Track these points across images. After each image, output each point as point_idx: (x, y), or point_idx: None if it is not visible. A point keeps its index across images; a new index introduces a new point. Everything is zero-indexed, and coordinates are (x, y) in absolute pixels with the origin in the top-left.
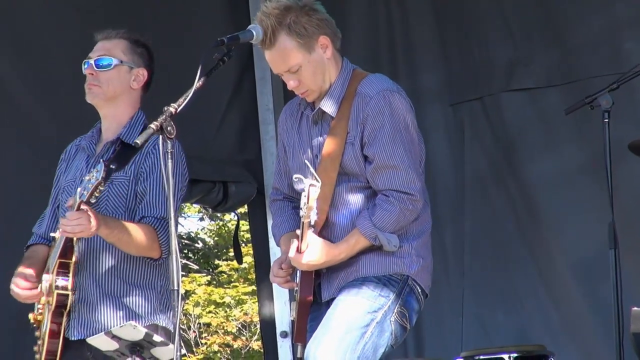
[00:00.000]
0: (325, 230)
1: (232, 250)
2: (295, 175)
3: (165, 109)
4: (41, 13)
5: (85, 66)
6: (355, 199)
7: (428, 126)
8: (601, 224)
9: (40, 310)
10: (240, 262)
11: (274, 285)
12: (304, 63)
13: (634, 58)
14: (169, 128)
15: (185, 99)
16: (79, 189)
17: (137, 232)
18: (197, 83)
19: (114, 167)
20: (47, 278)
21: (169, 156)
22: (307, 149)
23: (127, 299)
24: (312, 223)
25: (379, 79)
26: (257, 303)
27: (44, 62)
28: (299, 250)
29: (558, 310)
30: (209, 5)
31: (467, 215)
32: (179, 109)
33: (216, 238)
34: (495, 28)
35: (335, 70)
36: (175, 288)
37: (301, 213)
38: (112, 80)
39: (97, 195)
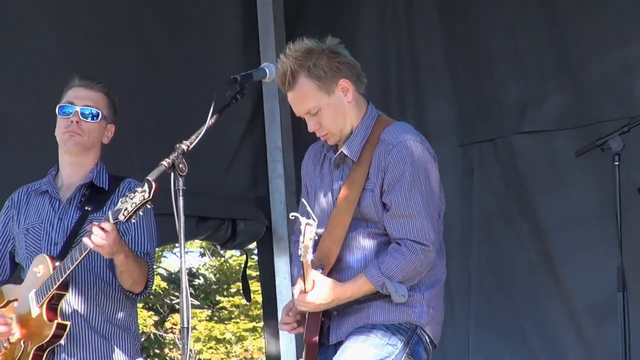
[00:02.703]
0: (338, 274)
1: (233, 286)
2: (292, 214)
3: (178, 146)
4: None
5: (69, 111)
6: (371, 244)
7: None
8: (610, 266)
9: (4, 350)
10: (248, 299)
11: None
12: (323, 106)
13: None
14: (180, 165)
15: (197, 137)
16: (110, 212)
17: (140, 263)
18: (210, 120)
19: (89, 208)
20: (36, 312)
21: (180, 193)
22: (327, 192)
23: (115, 341)
24: (309, 262)
25: (404, 127)
26: (257, 339)
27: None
28: (303, 291)
29: (566, 353)
30: (222, 44)
31: (474, 255)
32: (191, 147)
33: (217, 274)
34: (507, 67)
35: (358, 114)
36: (185, 326)
37: (299, 252)
38: (92, 132)
39: (141, 214)
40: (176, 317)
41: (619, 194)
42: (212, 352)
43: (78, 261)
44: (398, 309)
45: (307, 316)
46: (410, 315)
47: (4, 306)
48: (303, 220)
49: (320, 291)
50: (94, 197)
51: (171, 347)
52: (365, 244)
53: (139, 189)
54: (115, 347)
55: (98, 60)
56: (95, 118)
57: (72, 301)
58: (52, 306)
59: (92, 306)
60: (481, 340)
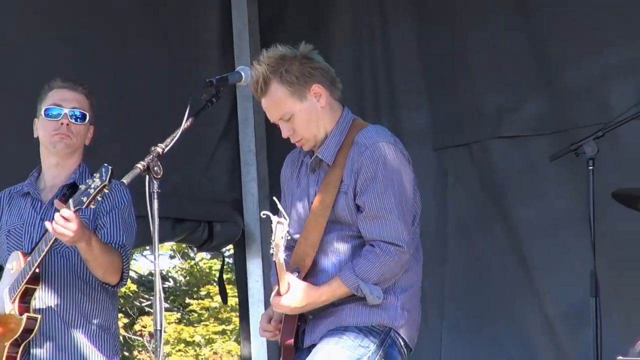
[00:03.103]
0: (313, 278)
1: (203, 289)
2: (263, 212)
3: (153, 149)
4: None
5: (58, 113)
6: (346, 248)
7: None
8: (585, 272)
9: None
10: (225, 301)
11: (252, 326)
12: (296, 111)
13: (620, 107)
14: (155, 168)
15: (172, 140)
16: (71, 200)
17: (111, 253)
18: (185, 124)
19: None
20: (9, 308)
21: (155, 196)
22: (304, 197)
23: (91, 338)
24: (282, 261)
25: (378, 130)
26: (227, 342)
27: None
28: (278, 293)
29: (540, 358)
30: (200, 48)
31: (448, 260)
32: (166, 149)
33: (187, 277)
34: (483, 73)
35: (332, 119)
36: (159, 328)
37: (270, 251)
38: (80, 134)
39: (99, 199)
40: (145, 319)
41: (592, 198)
42: (181, 355)
43: (45, 252)
44: (372, 311)
45: (283, 319)
46: (383, 317)
47: None
48: (274, 218)
49: (295, 295)
50: None
51: (140, 349)
52: (339, 247)
53: (97, 175)
54: (93, 347)
55: (74, 62)
56: (83, 120)
57: (49, 299)
58: (25, 301)
59: (70, 304)
60: (454, 345)
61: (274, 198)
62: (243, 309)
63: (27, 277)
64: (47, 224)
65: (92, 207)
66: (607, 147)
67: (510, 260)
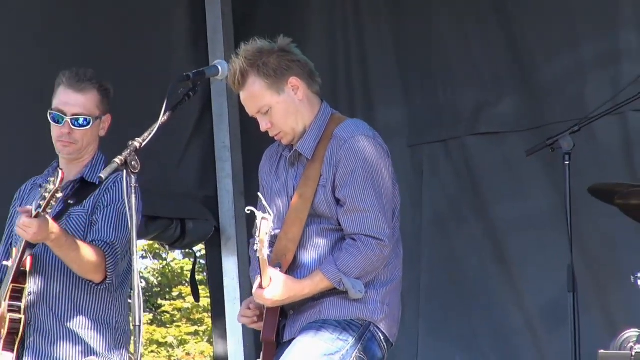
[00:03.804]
0: (294, 272)
1: (175, 289)
2: (247, 208)
3: (130, 143)
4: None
5: (58, 122)
6: (325, 242)
7: None
8: (563, 266)
9: None
10: (197, 299)
11: (228, 324)
12: (274, 104)
13: (596, 102)
14: (133, 163)
15: (150, 134)
16: (34, 203)
17: (85, 251)
18: (162, 118)
19: (72, 202)
20: (3, 306)
21: (133, 191)
22: (283, 191)
23: (84, 332)
24: (266, 257)
25: (357, 124)
26: (199, 343)
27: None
28: (261, 286)
29: (518, 355)
30: (171, 42)
31: (424, 256)
32: (143, 144)
33: (159, 277)
34: (459, 69)
35: (311, 113)
36: (137, 324)
37: (255, 247)
38: (85, 136)
39: (53, 204)
40: None
41: (569, 193)
42: (154, 356)
43: (20, 251)
44: (351, 304)
45: (264, 315)
46: (363, 311)
47: None
48: (259, 214)
49: (277, 288)
50: (81, 192)
51: None
52: (319, 241)
53: (52, 178)
54: (87, 340)
55: (44, 59)
56: (86, 125)
57: (42, 293)
58: (15, 299)
59: (64, 298)
60: (431, 342)
61: (259, 194)
62: (216, 308)
63: (11, 276)
64: (9, 262)
65: (49, 211)
66: (584, 141)
67: (486, 256)
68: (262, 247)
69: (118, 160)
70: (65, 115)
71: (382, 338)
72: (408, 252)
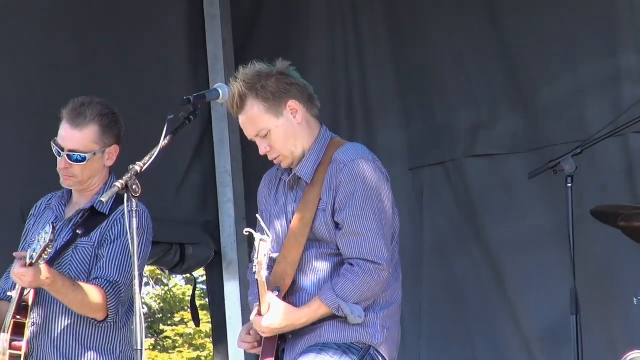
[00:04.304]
0: (292, 296)
1: (177, 315)
2: (245, 230)
3: (131, 167)
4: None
5: (57, 155)
6: (324, 266)
7: None
8: (564, 289)
9: None
10: (197, 324)
11: (230, 349)
12: (272, 127)
13: (596, 124)
14: (134, 186)
15: (150, 158)
16: (29, 250)
17: (85, 292)
18: (163, 141)
19: (80, 232)
20: (4, 338)
21: (134, 214)
22: (282, 215)
23: None
24: (264, 279)
25: (356, 148)
26: None
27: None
28: (259, 313)
29: None
30: (169, 69)
31: (425, 279)
32: (144, 167)
33: (161, 303)
34: (457, 91)
35: (310, 136)
36: (139, 348)
37: (253, 269)
38: (86, 169)
39: (45, 257)
40: None
41: (571, 215)
42: None
43: (17, 294)
44: (351, 328)
45: (263, 338)
46: (363, 335)
47: None
48: (257, 236)
49: (275, 316)
50: (90, 221)
51: None
52: (318, 265)
53: (42, 231)
54: None
55: (44, 83)
56: (81, 160)
57: (44, 328)
58: (17, 333)
59: (67, 333)
60: None
61: (257, 215)
62: (218, 333)
63: (12, 312)
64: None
65: (42, 263)
66: (585, 164)
67: (486, 278)
68: (260, 269)
69: (119, 184)
70: (63, 150)
71: None
72: (409, 275)
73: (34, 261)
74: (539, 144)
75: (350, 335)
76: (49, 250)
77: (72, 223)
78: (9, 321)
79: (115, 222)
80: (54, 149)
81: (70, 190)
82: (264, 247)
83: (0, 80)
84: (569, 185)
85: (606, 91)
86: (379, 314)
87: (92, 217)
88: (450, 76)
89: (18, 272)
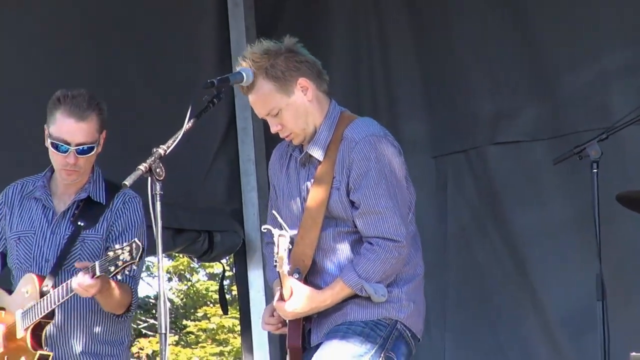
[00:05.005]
0: (314, 276)
1: (200, 310)
2: (264, 227)
3: (154, 150)
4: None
5: (62, 151)
6: (343, 246)
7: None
8: (588, 276)
9: None
10: (225, 312)
11: (254, 337)
12: (283, 106)
13: (621, 111)
14: (157, 170)
15: (174, 141)
16: (97, 262)
17: (122, 294)
18: (187, 125)
19: (82, 224)
20: (21, 334)
21: (157, 198)
22: (295, 192)
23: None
24: (286, 272)
25: (366, 123)
26: None
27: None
28: (282, 298)
29: None
30: (195, 58)
31: (450, 267)
32: (168, 151)
33: (184, 299)
34: (480, 79)
35: (320, 113)
36: (163, 332)
37: (274, 263)
38: (89, 160)
39: (127, 273)
40: (142, 341)
41: (597, 201)
42: None
43: (64, 299)
44: (376, 304)
45: (287, 322)
46: (389, 310)
47: None
48: (275, 232)
49: (298, 300)
50: (88, 211)
51: None
52: (337, 245)
53: (127, 247)
54: None
55: (67, 74)
56: (91, 152)
57: (60, 325)
58: (37, 334)
59: (82, 332)
60: (457, 353)
61: (273, 212)
62: (245, 320)
63: (45, 313)
64: (74, 284)
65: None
66: (610, 150)
67: (510, 266)
68: (281, 264)
69: (142, 167)
70: (70, 145)
71: (409, 335)
72: (433, 265)
73: (110, 276)
74: (563, 131)
75: (376, 312)
76: (134, 267)
77: (68, 215)
78: (32, 317)
79: (119, 213)
80: (55, 145)
81: (49, 178)
82: (283, 242)
83: (22, 70)
84: (595, 170)
85: (631, 78)
86: (402, 288)
87: (89, 208)
88: (473, 64)
89: (86, 285)
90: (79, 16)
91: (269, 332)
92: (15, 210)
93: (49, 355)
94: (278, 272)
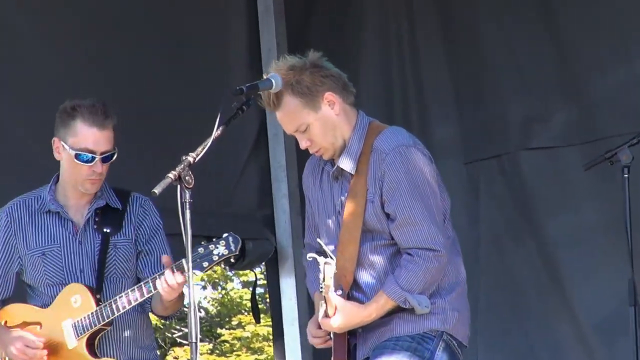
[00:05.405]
0: (355, 291)
1: (234, 318)
2: (309, 255)
3: (184, 158)
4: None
5: (87, 160)
6: (381, 259)
7: None
8: (620, 281)
9: None
10: (258, 320)
11: (286, 345)
12: (311, 122)
13: None
14: (187, 177)
15: (203, 148)
16: (184, 261)
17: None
18: (216, 132)
19: (108, 230)
20: (72, 344)
21: (187, 206)
22: (329, 207)
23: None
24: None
25: (395, 133)
26: None
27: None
28: (326, 315)
29: None
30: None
31: (482, 273)
32: (197, 158)
33: (219, 307)
34: (511, 84)
35: (349, 126)
36: (194, 340)
37: (320, 289)
38: (108, 167)
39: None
40: (177, 350)
41: (628, 206)
42: None
43: (137, 302)
44: (422, 317)
45: (332, 337)
46: (434, 322)
47: (20, 327)
48: (321, 260)
49: (343, 317)
50: (108, 217)
51: None
52: (375, 259)
53: (221, 242)
54: None
55: (97, 75)
56: (113, 158)
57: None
58: (89, 342)
59: (126, 332)
60: (490, 357)
61: (318, 239)
62: (277, 328)
63: (107, 320)
64: (159, 285)
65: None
66: None
67: (542, 271)
68: (327, 291)
69: (172, 175)
70: (96, 154)
71: (455, 345)
72: (466, 270)
73: (204, 271)
74: (594, 136)
75: (422, 325)
76: (232, 260)
77: (91, 224)
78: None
79: (143, 216)
80: (80, 157)
81: (54, 193)
82: (329, 269)
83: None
84: (626, 176)
85: None
86: (446, 298)
87: (107, 214)
88: (504, 69)
89: (180, 283)
90: (110, 17)
91: (301, 340)
92: (28, 228)
93: None
94: (324, 296)
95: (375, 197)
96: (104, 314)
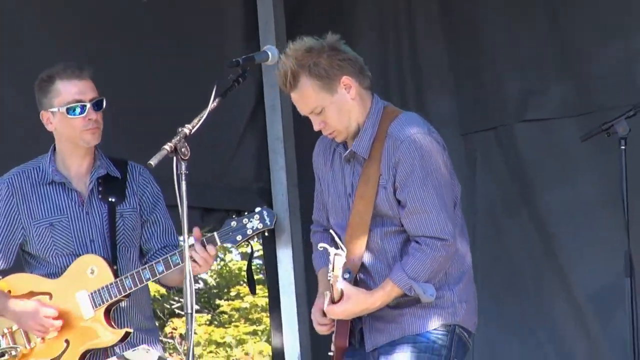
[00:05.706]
0: (364, 277)
1: (233, 289)
2: (320, 245)
3: (180, 130)
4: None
5: (79, 112)
6: (390, 246)
7: None
8: (617, 253)
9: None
10: (253, 292)
11: (283, 317)
12: (327, 104)
13: None
14: (183, 149)
15: (199, 120)
16: (216, 235)
17: None
18: (212, 104)
19: (113, 200)
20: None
21: (183, 177)
22: (340, 187)
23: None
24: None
25: (410, 119)
26: (258, 343)
27: None
28: (332, 301)
29: (573, 344)
30: (222, 36)
31: (478, 246)
32: (193, 130)
33: (217, 278)
34: (508, 57)
35: (363, 110)
36: (189, 311)
37: (328, 278)
38: (102, 118)
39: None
40: (176, 321)
41: (625, 177)
42: (213, 356)
43: (162, 274)
44: (432, 313)
45: (335, 321)
46: (444, 316)
47: (27, 296)
48: (332, 250)
49: (349, 303)
50: (111, 187)
51: (171, 351)
52: (385, 245)
53: (255, 215)
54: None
55: (93, 49)
56: (102, 105)
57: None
58: (107, 311)
59: (136, 303)
60: (487, 333)
61: (331, 231)
62: (273, 301)
63: (129, 292)
64: (195, 256)
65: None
66: (638, 126)
67: (538, 243)
68: (335, 281)
69: (168, 147)
70: (85, 102)
71: (466, 335)
72: None
73: (236, 245)
74: (591, 108)
75: (433, 321)
76: (266, 234)
77: (95, 194)
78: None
79: (144, 185)
80: (70, 110)
81: (53, 161)
82: (339, 261)
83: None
84: (623, 147)
85: None
86: (454, 290)
87: (108, 184)
88: (501, 41)
89: (213, 255)
90: (110, 17)
91: (297, 311)
92: (31, 198)
93: (130, 332)
94: (329, 279)
95: (388, 184)
96: (125, 285)
